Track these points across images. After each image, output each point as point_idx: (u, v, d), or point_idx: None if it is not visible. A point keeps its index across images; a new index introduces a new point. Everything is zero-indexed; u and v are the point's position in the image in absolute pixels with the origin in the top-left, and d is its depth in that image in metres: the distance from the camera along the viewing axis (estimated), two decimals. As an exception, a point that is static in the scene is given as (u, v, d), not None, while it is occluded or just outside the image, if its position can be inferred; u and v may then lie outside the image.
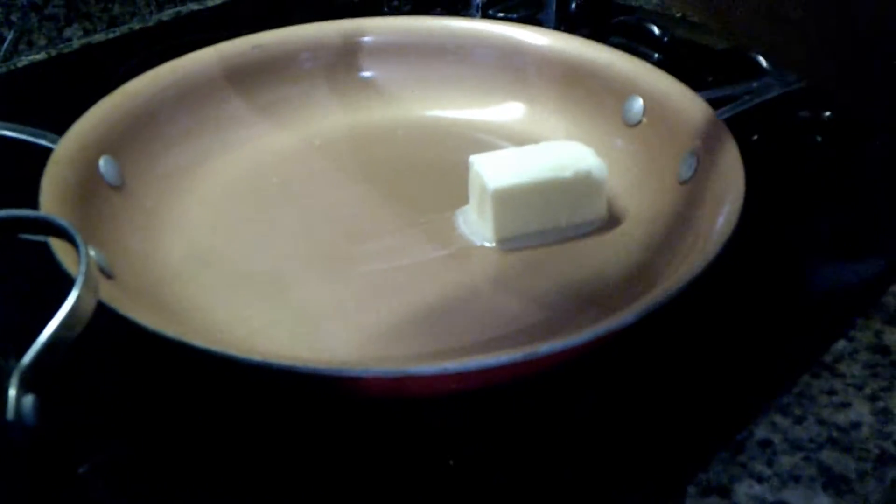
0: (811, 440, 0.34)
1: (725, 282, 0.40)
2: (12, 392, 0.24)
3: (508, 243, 0.42)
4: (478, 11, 0.66)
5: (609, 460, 0.34)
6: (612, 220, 0.43)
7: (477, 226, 0.43)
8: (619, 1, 0.71)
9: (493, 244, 0.42)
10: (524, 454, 0.34)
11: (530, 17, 0.67)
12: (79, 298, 0.26)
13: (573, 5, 0.71)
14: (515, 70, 0.49)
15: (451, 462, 0.33)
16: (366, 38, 0.50)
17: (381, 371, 0.30)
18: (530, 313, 0.38)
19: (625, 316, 0.31)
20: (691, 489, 0.32)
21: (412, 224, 0.43)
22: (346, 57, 0.50)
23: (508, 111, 0.50)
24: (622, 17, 0.65)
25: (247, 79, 0.49)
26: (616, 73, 0.48)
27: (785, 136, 0.53)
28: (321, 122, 0.49)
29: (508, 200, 0.41)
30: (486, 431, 0.35)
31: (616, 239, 0.43)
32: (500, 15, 0.65)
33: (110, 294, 0.32)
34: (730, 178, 0.39)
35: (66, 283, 0.27)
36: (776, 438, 0.35)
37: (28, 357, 0.24)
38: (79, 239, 0.28)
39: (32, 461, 0.26)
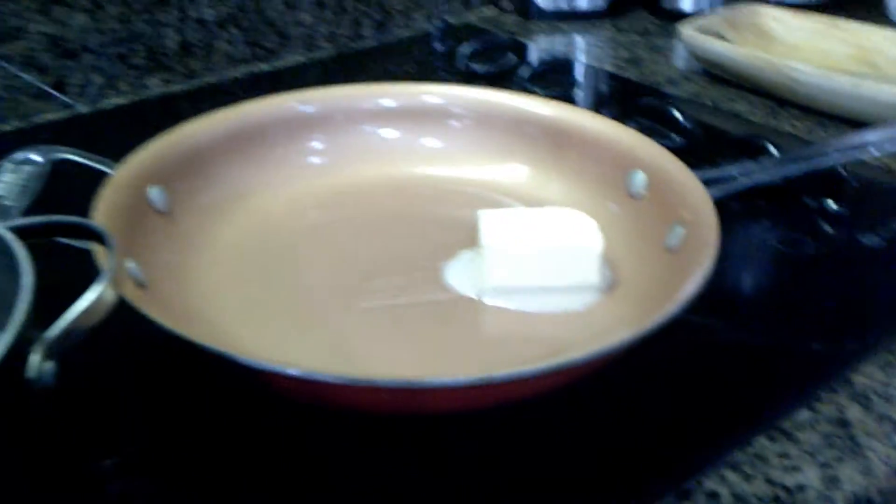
0: (758, 497, 0.37)
1: (708, 339, 0.44)
2: (36, 357, 0.29)
3: (499, 297, 0.46)
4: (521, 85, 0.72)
5: (557, 493, 0.36)
6: (603, 284, 0.46)
7: (475, 276, 0.47)
8: (653, 86, 0.76)
9: (487, 296, 0.46)
10: (488, 478, 0.37)
11: (565, 95, 0.72)
12: (101, 292, 0.31)
13: (603, 87, 0.76)
14: (526, 136, 0.54)
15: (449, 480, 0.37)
16: (391, 102, 0.56)
17: (397, 382, 0.33)
18: (499, 362, 0.41)
19: (579, 355, 0.35)
20: (631, 526, 0.35)
21: (417, 268, 0.47)
22: (373, 117, 0.56)
23: (512, 172, 0.55)
24: (648, 99, 0.69)
25: (289, 130, 0.55)
26: (622, 148, 0.52)
27: (788, 219, 0.56)
28: (350, 173, 0.55)
29: (502, 258, 0.45)
30: (461, 455, 0.38)
31: (605, 302, 0.46)
32: (539, 91, 0.70)
33: (139, 298, 0.37)
34: (705, 248, 0.42)
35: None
36: (723, 492, 0.37)
37: (50, 332, 0.29)
38: (109, 240, 0.33)
39: (47, 420, 0.31)
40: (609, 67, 0.81)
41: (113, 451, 0.37)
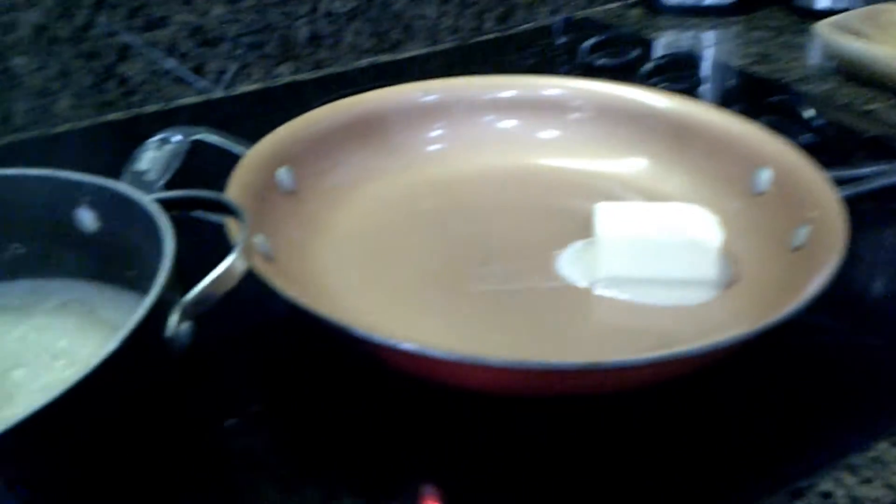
0: (874, 500, 0.35)
1: (832, 341, 0.43)
2: (175, 318, 0.31)
3: (611, 288, 0.45)
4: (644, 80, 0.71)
5: (669, 481, 0.36)
6: (720, 280, 0.45)
7: (589, 266, 0.47)
8: (784, 83, 0.73)
9: (598, 286, 0.46)
10: (595, 463, 0.37)
11: (690, 91, 0.71)
12: (233, 261, 0.33)
13: (731, 83, 0.74)
14: (647, 130, 0.54)
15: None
16: (511, 93, 0.57)
17: (506, 362, 0.34)
18: (608, 351, 0.41)
19: (692, 348, 0.34)
20: (738, 519, 0.34)
21: (530, 256, 0.48)
22: (494, 108, 0.57)
23: (631, 165, 0.54)
24: (778, 98, 0.67)
25: (411, 119, 0.56)
26: (748, 145, 0.51)
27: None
28: (468, 161, 0.56)
29: (616, 247, 0.45)
30: (562, 439, 0.39)
31: (721, 298, 0.45)
32: (662, 86, 0.69)
33: (266, 271, 0.40)
34: (832, 249, 0.41)
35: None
36: (839, 492, 0.36)
37: (188, 296, 0.32)
38: (242, 215, 0.35)
39: (185, 373, 0.33)
40: (738, 64, 0.78)
41: (236, 412, 0.40)
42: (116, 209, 0.37)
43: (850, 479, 0.36)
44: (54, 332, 0.38)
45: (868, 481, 0.36)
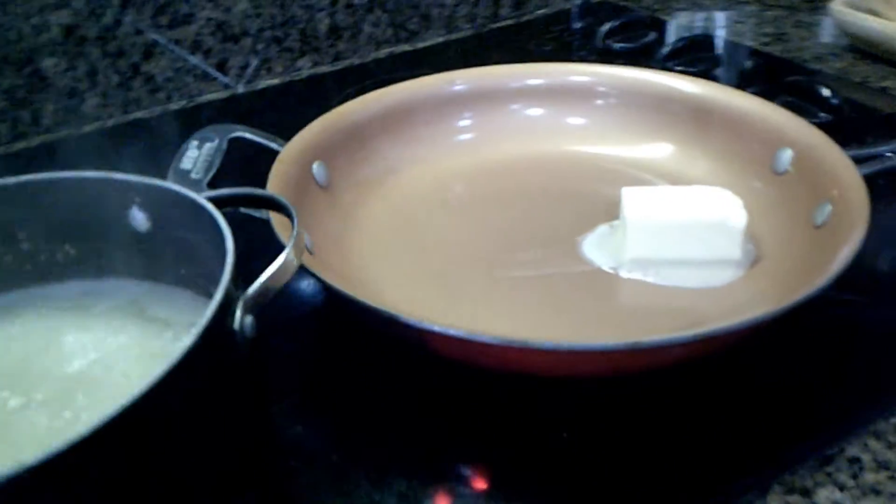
0: (901, 465, 0.37)
1: (853, 315, 0.45)
2: (239, 312, 0.32)
3: (637, 270, 0.47)
4: (660, 63, 0.72)
5: (707, 454, 0.38)
6: (745, 260, 0.47)
7: (615, 250, 0.48)
8: (799, 63, 0.74)
9: (623, 269, 0.47)
10: (631, 439, 0.39)
11: (707, 72, 0.72)
12: (287, 256, 0.35)
13: (747, 63, 0.75)
14: (671, 115, 0.55)
15: (566, 435, 0.39)
16: (538, 81, 0.58)
17: (550, 345, 0.35)
18: (637, 332, 0.42)
19: (731, 324, 0.36)
20: (776, 486, 0.36)
21: (556, 241, 0.50)
22: (520, 96, 0.58)
23: (657, 150, 0.56)
24: (795, 78, 0.68)
25: (440, 108, 0.57)
26: (770, 126, 0.52)
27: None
28: (494, 149, 0.57)
29: (642, 229, 0.46)
30: (601, 417, 0.40)
31: (746, 278, 0.46)
32: (679, 69, 0.70)
33: (311, 262, 0.41)
34: (856, 224, 0.42)
35: (278, 249, 0.36)
36: (865, 458, 0.38)
37: (249, 291, 0.33)
38: (294, 213, 0.37)
39: (248, 364, 0.35)
40: (752, 44, 0.79)
41: (283, 399, 0.42)
42: (169, 209, 0.38)
43: (876, 445, 0.38)
44: (108, 332, 0.39)
45: (893, 446, 0.38)
